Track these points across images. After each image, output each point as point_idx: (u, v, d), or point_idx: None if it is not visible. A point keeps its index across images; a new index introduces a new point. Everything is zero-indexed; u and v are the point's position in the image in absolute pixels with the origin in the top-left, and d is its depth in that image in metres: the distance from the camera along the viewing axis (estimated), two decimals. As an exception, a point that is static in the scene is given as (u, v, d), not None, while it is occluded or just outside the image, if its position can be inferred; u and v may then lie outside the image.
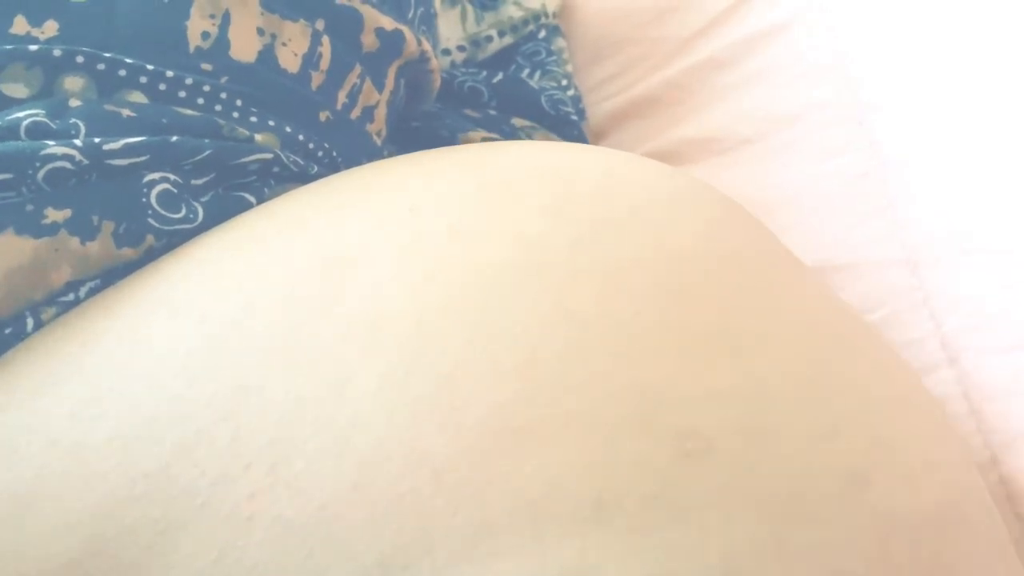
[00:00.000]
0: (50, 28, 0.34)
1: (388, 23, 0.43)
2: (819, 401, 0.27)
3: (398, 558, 0.23)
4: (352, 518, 0.23)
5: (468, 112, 0.54)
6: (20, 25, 0.34)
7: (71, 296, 0.31)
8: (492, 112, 0.54)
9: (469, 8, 0.59)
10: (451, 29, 0.58)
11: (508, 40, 0.59)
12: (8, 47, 0.33)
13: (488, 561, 0.23)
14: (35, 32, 0.34)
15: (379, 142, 0.46)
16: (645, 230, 0.29)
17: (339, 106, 0.41)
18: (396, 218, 0.30)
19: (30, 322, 0.30)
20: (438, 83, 0.50)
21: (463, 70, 0.56)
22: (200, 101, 0.36)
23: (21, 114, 0.32)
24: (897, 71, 0.48)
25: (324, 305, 0.27)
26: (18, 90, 0.33)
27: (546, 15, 0.59)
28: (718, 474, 0.24)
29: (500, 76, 0.55)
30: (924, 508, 0.26)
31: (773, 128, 0.50)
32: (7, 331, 0.30)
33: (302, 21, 0.39)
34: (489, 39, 0.58)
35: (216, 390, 0.26)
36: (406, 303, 0.27)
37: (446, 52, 0.58)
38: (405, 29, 0.44)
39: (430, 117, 0.54)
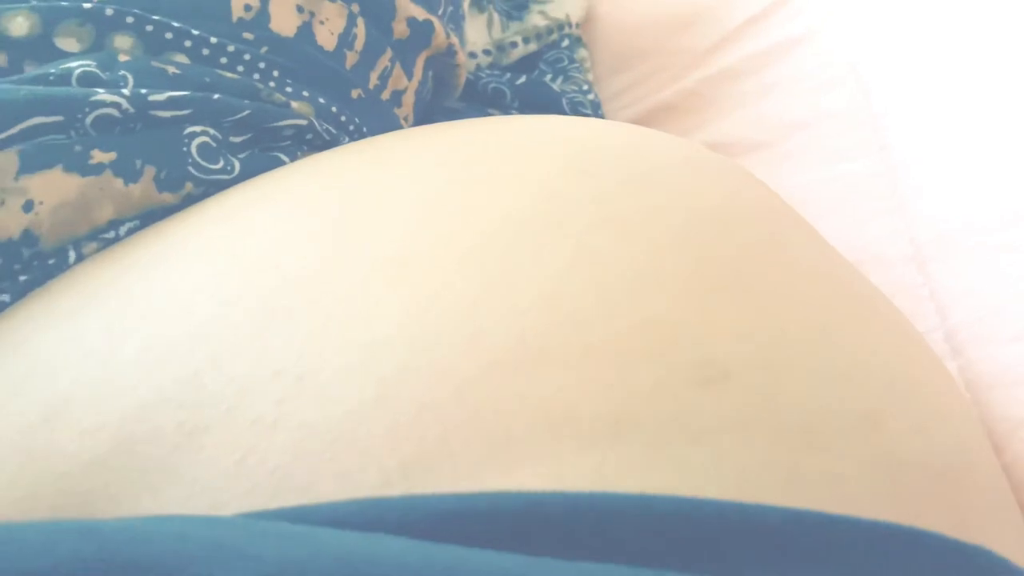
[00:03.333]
0: None
1: (420, 13, 0.45)
2: (833, 345, 0.28)
3: (420, 462, 0.24)
4: (376, 425, 0.24)
5: (491, 111, 0.56)
6: (75, -14, 0.36)
7: (112, 234, 0.32)
8: (514, 112, 0.56)
9: (496, 16, 0.61)
10: (478, 34, 0.60)
11: (532, 47, 0.61)
12: (64, 3, 0.35)
13: (508, 469, 0.23)
14: (89, -7, 0.36)
15: (406, 127, 0.47)
16: (666, 186, 0.31)
17: (371, 86, 0.43)
18: (425, 170, 0.32)
19: (72, 255, 0.31)
20: (463, 78, 0.52)
21: (487, 72, 0.58)
22: (240, 68, 0.38)
23: (73, 64, 0.34)
24: (907, 81, 0.50)
25: (353, 244, 0.29)
26: (70, 44, 0.35)
27: (570, 25, 0.62)
28: (734, 401, 0.25)
29: (523, 79, 0.57)
30: (935, 454, 0.27)
31: (787, 134, 0.52)
32: (50, 262, 0.31)
33: (340, 2, 0.41)
34: (514, 45, 0.60)
35: (247, 310, 0.27)
36: (432, 243, 0.28)
37: (472, 55, 0.60)
38: (435, 20, 0.46)
39: (454, 114, 0.55)
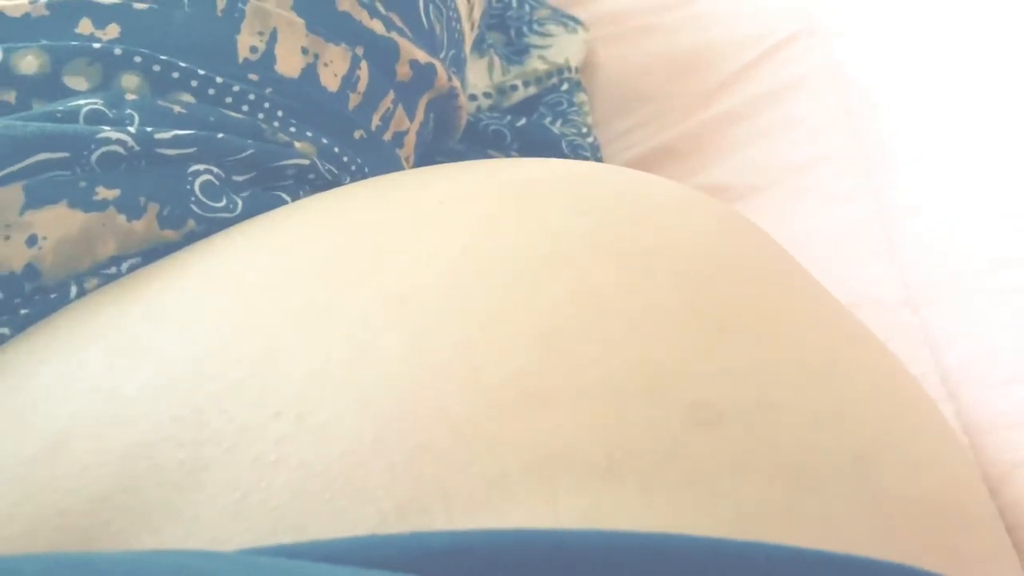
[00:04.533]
0: (112, 31, 0.37)
1: (422, 56, 0.46)
2: (827, 386, 0.28)
3: (416, 503, 0.24)
4: (372, 465, 0.24)
5: (491, 153, 0.57)
6: (85, 26, 0.37)
7: (113, 269, 0.32)
8: (514, 154, 0.57)
9: (496, 60, 0.63)
10: (479, 77, 0.61)
11: (532, 90, 0.62)
12: (73, 43, 0.36)
13: (503, 509, 0.23)
14: (98, 33, 0.37)
15: (407, 168, 0.48)
16: (662, 227, 0.31)
17: (373, 127, 0.44)
18: (426, 208, 0.32)
19: (74, 290, 0.32)
20: (464, 120, 0.53)
21: (488, 114, 0.59)
22: (244, 108, 0.38)
23: (82, 102, 0.34)
24: (897, 125, 0.51)
25: (354, 280, 0.29)
26: (79, 83, 0.36)
27: (569, 69, 0.63)
28: (729, 442, 0.25)
29: (523, 121, 0.58)
30: (930, 495, 0.27)
31: (783, 177, 0.52)
32: (52, 296, 0.31)
33: (343, 45, 0.42)
34: (514, 88, 0.61)
35: (249, 347, 0.27)
36: (432, 279, 0.29)
37: (472, 98, 0.60)
38: (437, 63, 0.47)
39: (455, 156, 0.56)
